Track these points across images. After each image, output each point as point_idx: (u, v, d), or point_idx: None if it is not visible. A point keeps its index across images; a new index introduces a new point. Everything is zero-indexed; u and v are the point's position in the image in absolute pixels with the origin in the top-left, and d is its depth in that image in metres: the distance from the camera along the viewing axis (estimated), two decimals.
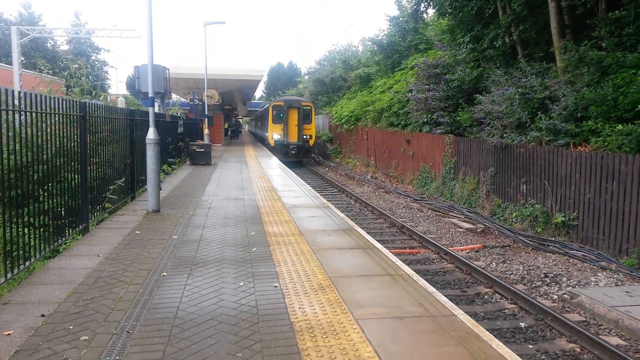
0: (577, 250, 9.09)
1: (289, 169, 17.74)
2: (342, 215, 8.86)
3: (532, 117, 11.39)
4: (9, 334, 3.72)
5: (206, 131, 25.15)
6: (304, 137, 28.12)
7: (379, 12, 79.60)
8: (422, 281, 5.14)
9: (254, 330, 3.87)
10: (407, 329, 3.92)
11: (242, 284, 4.97)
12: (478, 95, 13.60)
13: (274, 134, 28.08)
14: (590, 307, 6.52)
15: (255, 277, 5.19)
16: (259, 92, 75.60)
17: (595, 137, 9.57)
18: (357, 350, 3.53)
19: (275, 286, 4.90)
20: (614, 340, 5.70)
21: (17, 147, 5.03)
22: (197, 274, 5.26)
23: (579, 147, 9.81)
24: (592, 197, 9.23)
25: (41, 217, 5.73)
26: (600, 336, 5.72)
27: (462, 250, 9.74)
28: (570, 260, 8.81)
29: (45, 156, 5.79)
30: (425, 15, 22.97)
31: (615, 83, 9.68)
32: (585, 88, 10.29)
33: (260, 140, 41.91)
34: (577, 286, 7.54)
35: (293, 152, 27.69)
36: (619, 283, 7.54)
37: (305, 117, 28.18)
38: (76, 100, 7.02)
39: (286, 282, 5.03)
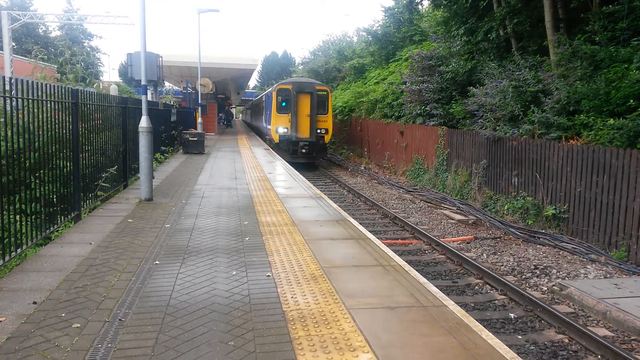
0: (567, 243, 9.18)
1: (282, 159, 17.69)
2: (335, 205, 8.88)
3: (525, 110, 11.44)
4: (0, 321, 3.72)
5: (199, 120, 25.03)
6: (318, 131, 21.51)
7: (374, 3, 79.33)
8: (413, 272, 5.18)
9: (246, 319, 3.90)
10: (398, 319, 3.96)
11: (234, 273, 4.99)
12: (471, 87, 13.64)
13: (279, 127, 21.49)
14: (579, 299, 6.61)
15: (247, 266, 5.21)
16: (252, 82, 75.32)
17: (587, 130, 9.65)
18: (349, 340, 3.57)
19: (268, 275, 4.92)
20: (602, 332, 5.79)
21: (9, 133, 4.98)
22: (190, 263, 5.26)
23: (571, 141, 9.88)
24: (582, 190, 9.31)
25: (33, 204, 5.70)
26: (589, 327, 5.81)
27: (453, 242, 9.81)
28: (560, 253, 8.91)
29: (37, 143, 5.75)
30: (420, 6, 23.02)
31: (607, 77, 9.73)
32: (578, 82, 10.34)
33: (258, 134, 34.63)
34: (566, 278, 7.63)
35: (304, 150, 21.15)
36: (608, 275, 7.65)
37: (320, 106, 21.63)
38: (68, 88, 6.96)
39: (279, 271, 5.06)
